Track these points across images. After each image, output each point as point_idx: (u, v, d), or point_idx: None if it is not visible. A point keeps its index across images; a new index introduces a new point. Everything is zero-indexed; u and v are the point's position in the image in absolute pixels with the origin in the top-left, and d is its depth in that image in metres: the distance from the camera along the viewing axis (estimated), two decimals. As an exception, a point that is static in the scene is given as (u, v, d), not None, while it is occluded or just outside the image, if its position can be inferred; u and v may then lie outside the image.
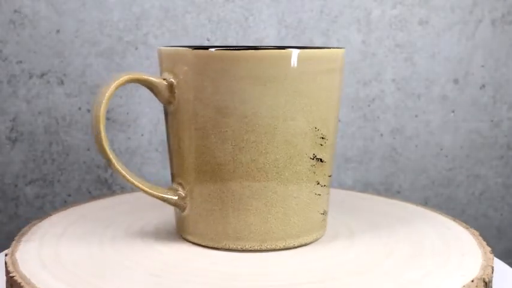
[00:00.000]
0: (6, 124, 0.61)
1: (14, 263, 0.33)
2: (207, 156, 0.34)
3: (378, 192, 0.66)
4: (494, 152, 0.67)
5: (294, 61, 0.33)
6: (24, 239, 0.36)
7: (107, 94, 0.34)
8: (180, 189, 0.36)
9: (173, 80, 0.34)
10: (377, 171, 0.66)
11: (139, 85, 0.61)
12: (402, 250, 0.36)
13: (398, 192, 0.67)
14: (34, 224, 0.39)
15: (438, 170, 0.67)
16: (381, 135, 0.65)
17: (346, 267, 0.33)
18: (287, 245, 0.36)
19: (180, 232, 0.37)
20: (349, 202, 0.46)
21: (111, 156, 0.34)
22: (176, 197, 0.36)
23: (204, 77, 0.33)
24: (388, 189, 0.66)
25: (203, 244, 0.36)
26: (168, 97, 0.35)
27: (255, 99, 0.33)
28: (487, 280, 0.31)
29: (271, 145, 0.34)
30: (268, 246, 0.35)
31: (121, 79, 0.34)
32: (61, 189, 0.63)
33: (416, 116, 0.65)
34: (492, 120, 0.66)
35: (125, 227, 0.39)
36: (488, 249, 0.36)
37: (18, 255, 0.34)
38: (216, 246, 0.35)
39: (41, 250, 0.35)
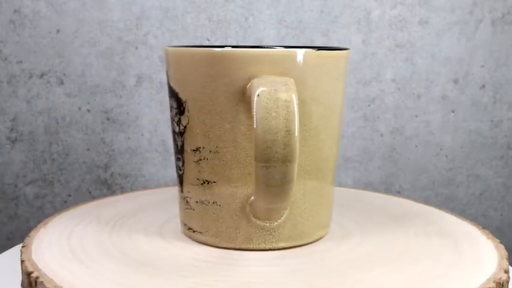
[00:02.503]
0: (6, 124, 0.61)
1: (33, 263, 0.33)
2: (316, 154, 0.34)
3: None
4: (494, 152, 0.67)
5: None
6: (34, 239, 0.37)
7: (296, 108, 0.30)
8: None
9: None
10: (377, 171, 0.66)
11: (140, 85, 0.61)
12: (411, 248, 0.36)
13: (399, 192, 0.67)
14: (41, 226, 0.39)
15: (438, 170, 0.67)
16: (381, 135, 0.65)
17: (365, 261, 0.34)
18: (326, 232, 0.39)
19: (264, 245, 0.35)
20: (352, 200, 0.46)
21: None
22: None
23: (324, 76, 0.34)
24: (388, 189, 0.66)
25: (299, 244, 0.36)
26: None
27: (344, 94, 0.37)
28: (502, 281, 0.31)
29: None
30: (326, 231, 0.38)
31: (290, 86, 0.31)
32: (61, 189, 0.63)
33: (416, 116, 0.65)
34: (492, 120, 0.66)
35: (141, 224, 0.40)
36: (503, 248, 0.36)
37: (34, 256, 0.34)
38: (311, 240, 0.36)
39: (52, 249, 0.35)
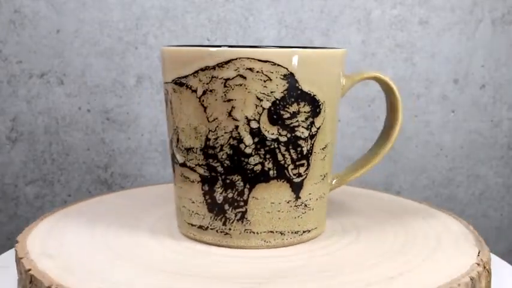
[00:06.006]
0: (6, 124, 0.61)
1: (29, 262, 0.33)
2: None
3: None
4: (494, 152, 0.67)
5: None
6: (29, 237, 0.37)
7: None
8: None
9: None
10: (377, 171, 0.66)
11: (140, 85, 0.61)
12: (398, 245, 0.36)
13: (399, 192, 0.67)
14: (37, 223, 0.39)
15: (438, 170, 0.67)
16: (381, 135, 0.65)
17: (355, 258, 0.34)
18: None
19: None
20: (350, 198, 0.46)
21: None
22: None
23: None
24: (388, 189, 0.66)
25: None
26: None
27: None
28: (476, 279, 0.31)
29: None
30: None
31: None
32: (61, 189, 0.63)
33: (416, 116, 0.65)
34: (492, 120, 0.66)
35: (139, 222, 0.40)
36: (486, 248, 0.36)
37: (30, 254, 0.34)
38: None
39: (47, 248, 0.35)
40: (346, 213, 0.43)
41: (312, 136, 0.35)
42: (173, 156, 0.37)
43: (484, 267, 0.33)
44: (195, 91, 0.34)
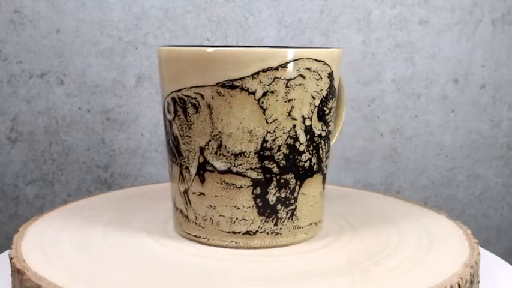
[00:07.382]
0: (6, 124, 0.61)
1: (21, 261, 0.33)
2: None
3: (378, 192, 0.66)
4: (494, 152, 0.67)
5: None
6: (25, 236, 0.37)
7: None
8: None
9: None
10: (377, 171, 0.66)
11: (140, 85, 0.61)
12: (390, 246, 0.36)
13: (398, 192, 0.67)
14: (34, 220, 0.40)
15: (438, 170, 0.67)
16: (381, 135, 0.65)
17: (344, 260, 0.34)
18: None
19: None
20: (347, 199, 0.46)
21: None
22: None
23: None
24: (388, 189, 0.66)
25: None
26: None
27: None
28: (461, 282, 0.31)
29: None
30: None
31: None
32: (61, 189, 0.63)
33: (416, 116, 0.65)
34: (492, 120, 0.66)
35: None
36: (477, 249, 0.36)
37: (23, 253, 0.34)
38: None
39: (44, 246, 0.35)
40: (343, 213, 0.43)
41: (330, 131, 0.37)
42: (203, 165, 0.35)
43: (472, 267, 0.33)
44: (252, 93, 0.33)
